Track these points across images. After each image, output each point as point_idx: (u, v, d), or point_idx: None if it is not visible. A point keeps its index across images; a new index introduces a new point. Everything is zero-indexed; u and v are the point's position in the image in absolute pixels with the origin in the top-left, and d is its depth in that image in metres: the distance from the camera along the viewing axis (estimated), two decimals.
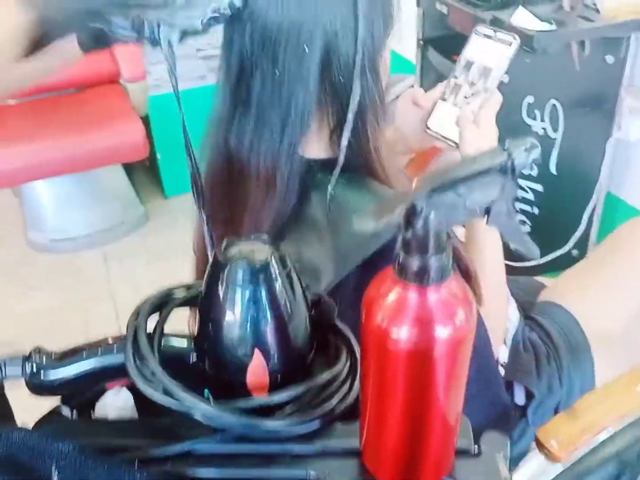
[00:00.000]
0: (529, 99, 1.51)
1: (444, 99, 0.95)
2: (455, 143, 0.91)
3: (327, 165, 0.76)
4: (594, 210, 1.77)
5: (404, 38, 1.83)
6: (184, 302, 0.60)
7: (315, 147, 0.77)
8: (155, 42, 0.63)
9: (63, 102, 2.51)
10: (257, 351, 0.50)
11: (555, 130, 1.60)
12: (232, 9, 0.67)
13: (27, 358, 0.55)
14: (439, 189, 0.37)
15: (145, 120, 2.45)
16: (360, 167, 0.76)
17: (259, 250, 0.50)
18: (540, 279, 1.25)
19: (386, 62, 0.77)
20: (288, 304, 0.50)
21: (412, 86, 1.86)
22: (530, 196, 1.73)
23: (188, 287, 0.61)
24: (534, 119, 1.56)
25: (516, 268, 1.82)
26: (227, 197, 0.80)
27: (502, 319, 0.93)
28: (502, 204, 0.38)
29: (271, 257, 0.49)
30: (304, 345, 0.53)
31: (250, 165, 0.74)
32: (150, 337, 0.54)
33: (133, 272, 2.43)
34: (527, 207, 1.74)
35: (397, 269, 0.40)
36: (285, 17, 0.67)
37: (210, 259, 0.51)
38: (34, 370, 0.54)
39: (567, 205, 1.78)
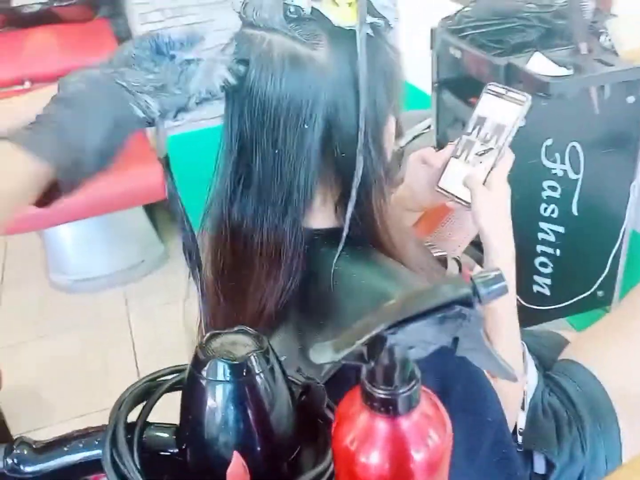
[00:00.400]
0: (548, 141, 1.47)
1: (456, 157, 0.93)
2: (467, 203, 0.89)
3: (331, 235, 0.74)
4: (619, 250, 1.71)
5: (420, 74, 1.81)
6: (172, 389, 0.58)
7: (319, 217, 0.75)
8: (151, 123, 0.63)
9: None
10: (235, 453, 0.48)
11: (576, 172, 1.55)
12: (226, 87, 0.66)
13: (9, 450, 0.54)
14: (402, 321, 0.36)
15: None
16: (365, 238, 0.74)
17: (241, 345, 0.49)
18: (564, 333, 1.20)
19: (390, 132, 0.74)
20: (270, 402, 0.49)
21: (429, 127, 1.84)
22: (551, 238, 1.68)
23: (176, 372, 0.59)
24: (554, 161, 1.52)
25: (540, 311, 1.76)
26: (230, 269, 0.78)
27: (517, 386, 0.89)
28: (470, 332, 0.36)
29: (253, 354, 0.48)
30: (288, 442, 0.51)
31: (253, 241, 0.73)
32: (131, 427, 0.52)
33: (153, 312, 2.43)
34: (549, 250, 1.69)
35: (363, 397, 0.38)
36: (284, 94, 0.66)
37: (193, 353, 0.50)
38: (15, 462, 0.53)
39: (590, 246, 1.72)
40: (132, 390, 0.57)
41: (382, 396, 0.38)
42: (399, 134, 0.78)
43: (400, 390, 0.38)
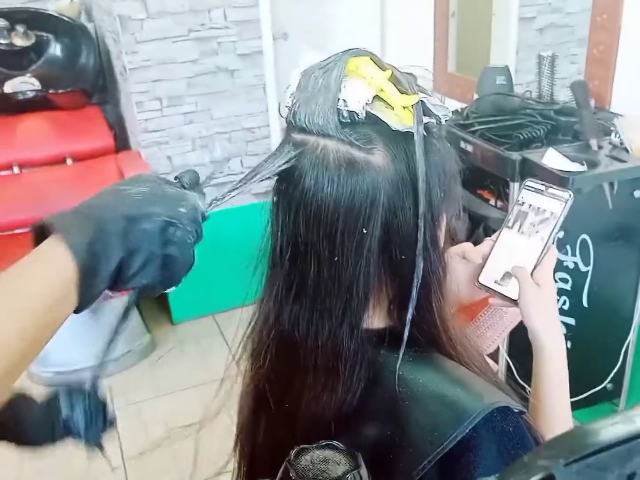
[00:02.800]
0: (560, 234, 1.48)
1: (508, 227, 0.90)
2: (513, 299, 0.86)
3: (388, 337, 0.69)
4: (629, 343, 1.70)
5: None
6: None
7: (373, 317, 0.71)
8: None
9: None
10: None
11: (586, 264, 1.56)
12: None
13: None
14: (579, 458, 0.33)
15: None
16: (425, 340, 0.70)
17: (333, 462, 0.47)
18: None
19: (443, 229, 0.72)
20: None
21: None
22: (563, 330, 1.66)
23: None
24: (565, 253, 1.52)
25: None
26: (277, 381, 0.73)
27: None
28: None
29: (350, 475, 0.46)
30: None
31: (307, 349, 0.68)
32: None
33: (140, 407, 2.31)
34: None
35: None
36: (341, 199, 0.63)
37: (281, 471, 0.45)
38: None
39: (602, 339, 1.71)
40: None
41: None
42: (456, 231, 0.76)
43: None
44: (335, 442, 0.48)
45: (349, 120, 0.65)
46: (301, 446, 0.47)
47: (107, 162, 2.54)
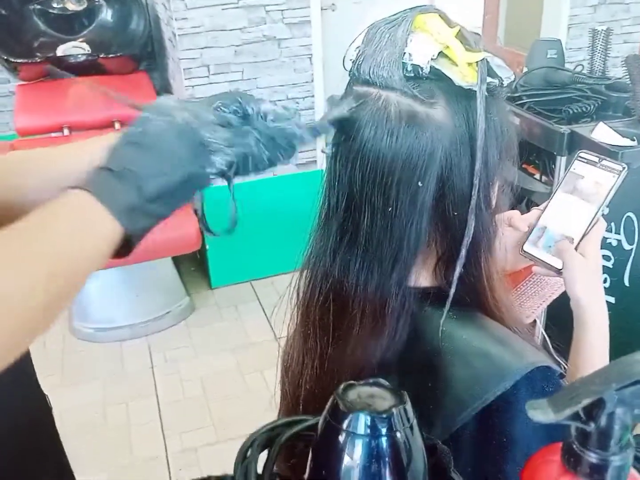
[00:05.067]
0: (605, 210, 1.47)
1: (558, 197, 0.90)
2: (557, 269, 0.86)
3: (433, 295, 0.71)
4: None
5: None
6: (292, 439, 0.55)
7: (420, 275, 0.73)
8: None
9: None
10: None
11: (630, 242, 1.55)
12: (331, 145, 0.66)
13: None
14: (629, 384, 0.35)
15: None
16: (470, 300, 0.72)
17: (380, 398, 0.47)
18: None
19: (496, 191, 0.73)
20: (408, 461, 0.46)
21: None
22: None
23: (294, 422, 0.56)
24: (609, 231, 1.51)
25: None
26: (326, 326, 0.75)
27: None
28: None
29: (395, 408, 0.46)
30: None
31: (356, 299, 0.70)
32: (260, 478, 0.49)
33: (177, 365, 2.38)
34: None
35: (567, 459, 0.37)
36: (400, 152, 0.65)
37: (329, 403, 0.47)
38: None
39: None
40: (254, 439, 0.53)
41: (595, 461, 0.36)
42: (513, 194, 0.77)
43: (616, 457, 0.36)
44: (382, 380, 0.49)
45: (412, 75, 0.66)
46: (349, 382, 0.49)
47: None
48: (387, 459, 0.45)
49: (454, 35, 0.66)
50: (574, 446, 0.36)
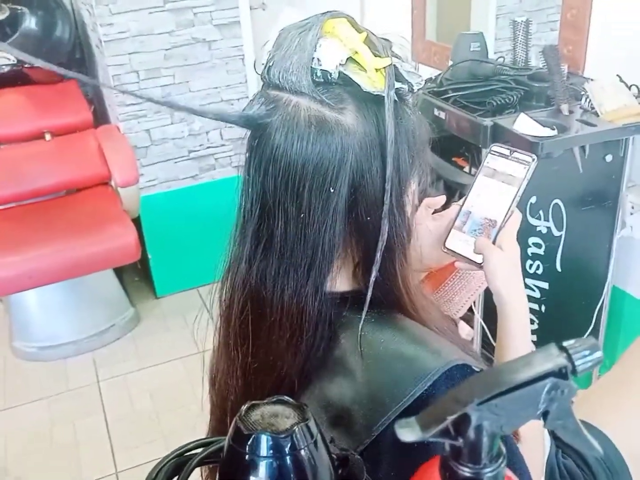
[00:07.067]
0: (533, 199, 1.50)
1: (474, 192, 0.91)
2: (478, 263, 0.87)
3: (351, 300, 0.71)
4: (602, 305, 1.73)
5: None
6: (202, 463, 0.54)
7: (337, 280, 0.73)
8: None
9: (53, 205, 2.48)
10: None
11: (559, 229, 1.58)
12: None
13: None
14: (491, 397, 0.35)
15: (136, 221, 2.42)
16: (387, 302, 0.72)
17: (283, 416, 0.47)
18: None
19: (413, 194, 0.73)
20: (314, 477, 0.46)
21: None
22: (536, 294, 1.69)
23: (203, 445, 0.55)
24: (539, 218, 1.54)
25: None
26: (245, 337, 0.74)
27: (541, 452, 0.86)
28: (561, 405, 0.35)
29: (297, 427, 0.46)
30: None
31: (273, 307, 0.70)
32: None
33: (124, 378, 2.33)
34: (534, 306, 1.70)
35: (444, 475, 0.37)
36: (310, 157, 0.64)
37: (232, 425, 0.47)
38: None
39: (575, 302, 1.74)
40: (161, 467, 0.52)
41: (468, 475, 0.36)
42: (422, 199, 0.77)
43: (488, 469, 0.36)
44: (285, 397, 0.49)
45: (322, 80, 0.65)
46: (252, 402, 0.48)
47: (86, 136, 2.52)
48: (291, 476, 0.45)
49: (362, 40, 0.66)
50: (450, 463, 0.36)
